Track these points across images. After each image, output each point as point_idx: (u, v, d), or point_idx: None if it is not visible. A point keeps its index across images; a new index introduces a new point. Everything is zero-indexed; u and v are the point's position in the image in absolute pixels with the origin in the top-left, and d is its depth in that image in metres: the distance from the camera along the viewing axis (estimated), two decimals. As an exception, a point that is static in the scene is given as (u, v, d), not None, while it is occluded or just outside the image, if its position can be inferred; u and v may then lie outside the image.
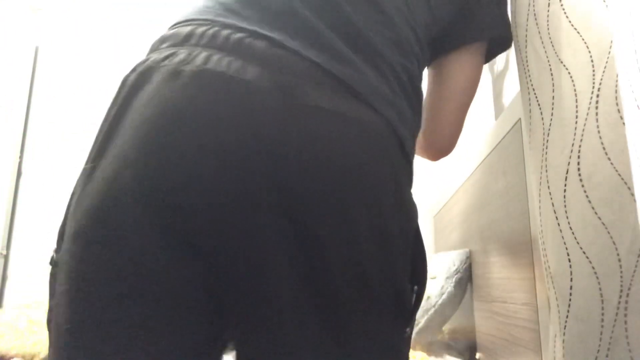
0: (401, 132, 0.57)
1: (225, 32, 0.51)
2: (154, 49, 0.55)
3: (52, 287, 0.49)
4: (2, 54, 2.57)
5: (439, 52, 0.75)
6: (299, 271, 0.48)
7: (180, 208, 0.46)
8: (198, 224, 0.47)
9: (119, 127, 0.49)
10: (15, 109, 2.51)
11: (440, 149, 0.82)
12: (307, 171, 0.48)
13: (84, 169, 0.50)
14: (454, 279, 1.29)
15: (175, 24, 0.56)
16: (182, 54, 0.50)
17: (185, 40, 0.52)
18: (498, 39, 0.76)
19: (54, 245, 0.51)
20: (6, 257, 2.37)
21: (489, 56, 0.80)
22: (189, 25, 0.54)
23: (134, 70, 0.53)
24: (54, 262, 0.50)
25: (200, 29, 0.52)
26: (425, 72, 0.76)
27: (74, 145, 2.45)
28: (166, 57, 0.51)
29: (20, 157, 2.46)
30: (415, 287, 0.57)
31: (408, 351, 0.57)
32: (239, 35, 0.51)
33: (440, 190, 1.87)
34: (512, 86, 1.33)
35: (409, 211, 0.58)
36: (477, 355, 1.22)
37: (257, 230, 0.47)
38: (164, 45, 0.54)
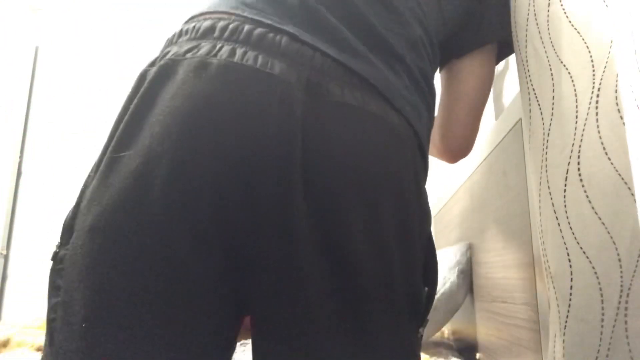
0: (419, 130, 0.57)
1: (247, 26, 0.51)
2: (172, 42, 0.54)
3: (55, 284, 0.47)
4: (2, 54, 2.57)
5: (451, 56, 0.76)
6: (326, 268, 0.48)
7: (215, 201, 0.46)
8: (232, 218, 0.46)
9: (143, 120, 0.48)
10: (15, 109, 2.51)
11: (457, 151, 0.82)
12: (337, 167, 0.48)
13: (105, 160, 0.48)
14: (456, 270, 1.27)
15: (192, 18, 0.55)
16: (205, 47, 0.49)
17: (206, 33, 0.51)
18: (507, 40, 0.76)
19: (57, 240, 0.48)
20: (6, 257, 2.37)
21: (500, 57, 0.80)
22: (208, 19, 0.53)
23: (152, 64, 0.52)
24: (58, 259, 0.47)
25: (222, 23, 0.51)
26: (437, 76, 0.76)
27: (74, 145, 2.45)
28: (189, 50, 0.50)
29: (20, 157, 2.47)
30: (427, 289, 0.57)
31: (420, 352, 0.57)
32: (260, 30, 0.50)
33: (441, 190, 1.87)
34: (512, 86, 1.33)
35: (426, 212, 0.59)
36: (477, 355, 1.22)
37: (289, 226, 0.47)
38: (183, 39, 0.52)
